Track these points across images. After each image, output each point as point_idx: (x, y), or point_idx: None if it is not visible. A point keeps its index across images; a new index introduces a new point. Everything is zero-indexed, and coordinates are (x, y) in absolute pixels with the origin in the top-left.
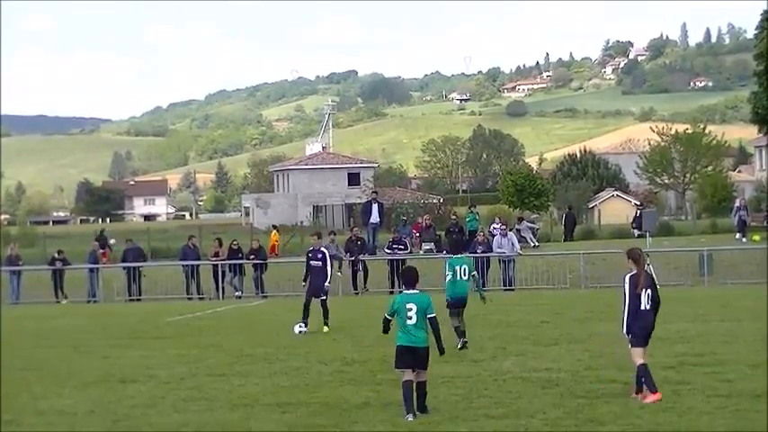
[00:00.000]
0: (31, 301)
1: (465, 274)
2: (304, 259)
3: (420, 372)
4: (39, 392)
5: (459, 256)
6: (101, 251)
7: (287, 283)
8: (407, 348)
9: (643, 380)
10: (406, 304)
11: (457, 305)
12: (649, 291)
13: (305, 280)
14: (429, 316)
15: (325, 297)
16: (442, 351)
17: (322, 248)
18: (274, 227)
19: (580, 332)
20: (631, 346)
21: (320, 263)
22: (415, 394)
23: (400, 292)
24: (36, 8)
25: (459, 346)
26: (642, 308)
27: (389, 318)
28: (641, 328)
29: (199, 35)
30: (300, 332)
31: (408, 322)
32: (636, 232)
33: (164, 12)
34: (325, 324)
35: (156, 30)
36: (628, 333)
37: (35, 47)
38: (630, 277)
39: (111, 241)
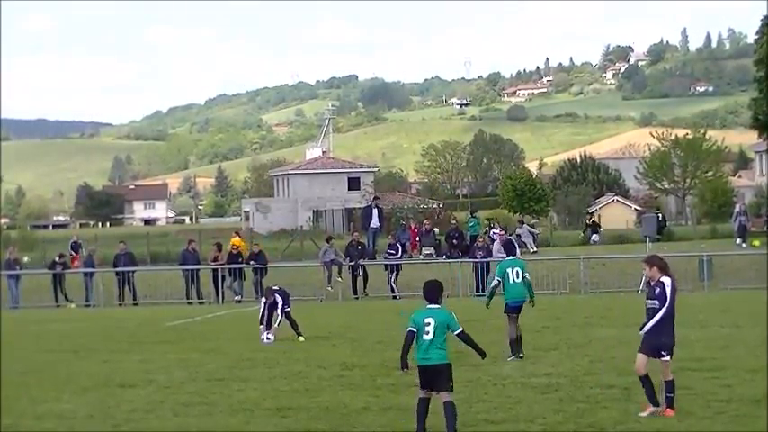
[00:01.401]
0: (31, 306)
1: (518, 277)
2: (303, 264)
3: (444, 393)
4: (38, 396)
5: (511, 258)
6: (71, 255)
7: (287, 288)
8: (423, 368)
9: (645, 390)
10: (424, 318)
11: (515, 310)
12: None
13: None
14: (457, 332)
15: (288, 309)
16: (483, 355)
17: (277, 299)
18: (236, 232)
19: (579, 337)
20: (665, 359)
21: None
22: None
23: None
24: (36, 9)
25: (509, 359)
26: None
27: (413, 330)
28: (667, 334)
29: (199, 39)
30: (268, 342)
31: (424, 337)
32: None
33: (164, 15)
34: (299, 334)
35: (156, 33)
36: (667, 346)
37: (35, 50)
38: (674, 283)
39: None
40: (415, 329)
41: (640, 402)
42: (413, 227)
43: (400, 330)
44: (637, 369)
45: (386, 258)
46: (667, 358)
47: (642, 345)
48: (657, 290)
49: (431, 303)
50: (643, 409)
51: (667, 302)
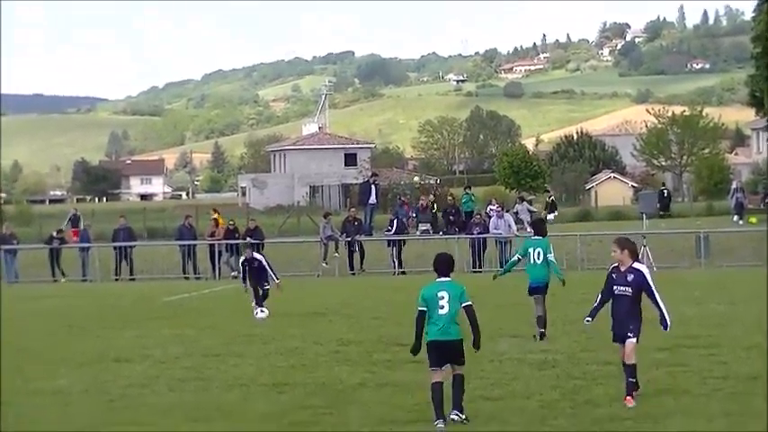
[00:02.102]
0: (28, 281)
1: (539, 258)
2: (300, 239)
3: (457, 366)
4: (33, 373)
5: (535, 237)
6: (71, 230)
7: (284, 264)
8: (440, 343)
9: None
10: (437, 293)
11: (537, 291)
12: None
13: (243, 283)
14: (464, 304)
15: (267, 286)
16: (477, 346)
17: (255, 256)
18: (214, 209)
19: (576, 314)
20: (631, 339)
21: (257, 266)
22: (452, 390)
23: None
24: None
25: (537, 337)
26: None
27: (423, 309)
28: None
29: (195, 14)
30: (262, 317)
31: (440, 312)
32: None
33: None
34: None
35: (153, 8)
36: (636, 328)
37: (31, 25)
38: (614, 268)
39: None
40: (424, 308)
41: (638, 380)
42: (405, 202)
43: (397, 307)
44: (627, 357)
45: (385, 234)
46: (633, 339)
47: (616, 335)
48: (631, 276)
49: (442, 276)
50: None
51: (654, 289)
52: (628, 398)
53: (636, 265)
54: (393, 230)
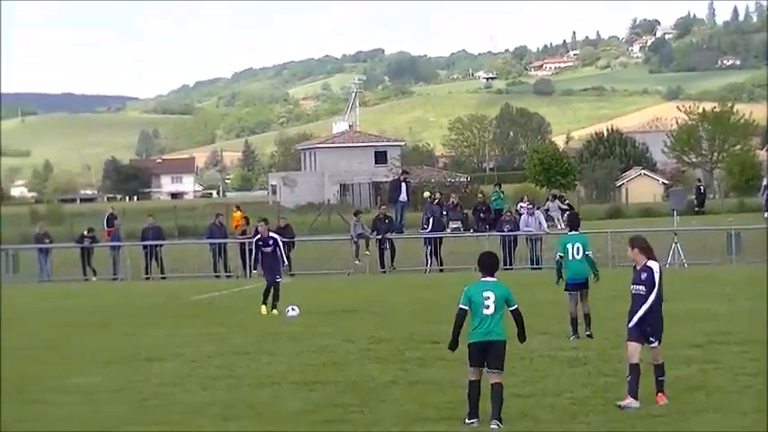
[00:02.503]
0: (60, 279)
1: (578, 253)
2: (330, 237)
3: (496, 372)
4: (64, 370)
5: (572, 233)
6: (107, 229)
7: (314, 262)
8: (483, 344)
9: (630, 378)
10: (483, 292)
11: (575, 288)
12: None
13: (255, 267)
14: (512, 308)
15: (279, 279)
16: (523, 339)
17: (271, 235)
18: (237, 207)
19: (606, 311)
20: (654, 345)
21: (271, 248)
22: (489, 400)
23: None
24: None
25: (571, 338)
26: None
27: (465, 308)
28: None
29: (225, 13)
30: (293, 315)
31: (485, 312)
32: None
33: None
34: (275, 307)
35: (182, 8)
36: (656, 333)
37: (60, 24)
38: (660, 267)
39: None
40: (466, 307)
41: (670, 375)
42: (438, 200)
43: (428, 305)
44: (629, 356)
45: (421, 232)
46: (655, 344)
47: (631, 333)
48: (644, 275)
49: (487, 276)
50: (623, 397)
51: (655, 289)
52: (659, 395)
53: (650, 263)
54: (429, 228)
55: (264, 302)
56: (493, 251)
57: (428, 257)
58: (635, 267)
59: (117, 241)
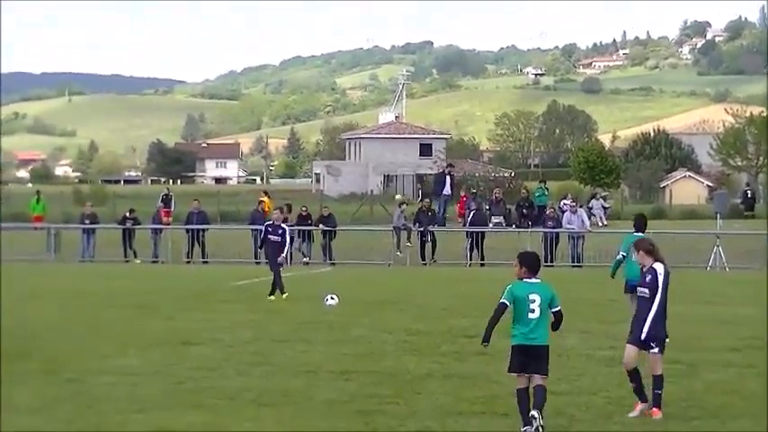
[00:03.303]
0: (102, 260)
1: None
2: (372, 228)
3: (537, 376)
4: (102, 352)
5: (638, 234)
6: (162, 210)
7: (355, 252)
8: (526, 348)
9: (634, 385)
10: (529, 294)
11: (633, 289)
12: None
13: (260, 247)
14: (554, 309)
15: (280, 265)
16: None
17: (282, 225)
18: (265, 192)
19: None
20: (654, 351)
21: (279, 237)
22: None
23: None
24: None
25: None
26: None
27: (507, 303)
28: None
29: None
30: (332, 304)
31: (530, 316)
32: None
33: None
34: (272, 294)
35: None
36: (657, 338)
37: (110, 5)
38: (667, 270)
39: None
40: (508, 303)
41: (707, 379)
42: (462, 195)
43: (466, 299)
44: (625, 363)
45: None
46: (656, 350)
47: (631, 335)
48: (648, 277)
49: (532, 275)
50: (633, 408)
51: (659, 293)
52: (654, 409)
53: (655, 264)
54: (469, 221)
55: (278, 291)
56: (534, 251)
57: (468, 251)
58: (642, 269)
59: (158, 224)
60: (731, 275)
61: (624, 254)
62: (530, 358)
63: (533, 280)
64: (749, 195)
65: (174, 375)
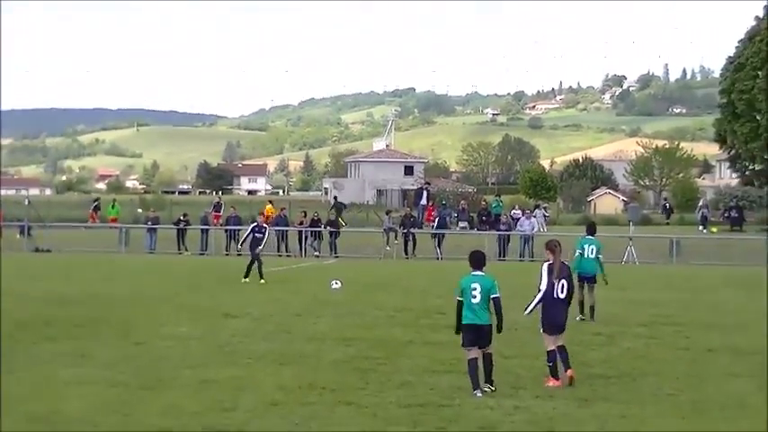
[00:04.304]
0: (161, 252)
1: (592, 254)
2: (367, 230)
3: (486, 347)
4: (162, 321)
5: (589, 236)
6: (214, 214)
7: (354, 248)
8: (472, 327)
9: (550, 365)
10: (471, 284)
11: (587, 280)
12: (564, 281)
13: (242, 244)
14: (493, 296)
15: (258, 252)
16: (500, 329)
17: (265, 225)
18: (270, 201)
19: (580, 293)
20: (543, 332)
21: (262, 235)
22: (481, 367)
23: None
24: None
25: (577, 318)
26: (555, 296)
27: (460, 299)
28: (552, 316)
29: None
30: (336, 288)
31: (473, 301)
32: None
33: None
34: (262, 276)
35: (263, 48)
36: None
37: (169, 55)
38: (549, 265)
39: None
40: (461, 298)
41: (622, 347)
42: (429, 207)
43: (439, 284)
44: (545, 346)
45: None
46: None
47: (544, 328)
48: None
49: (476, 270)
50: (548, 381)
51: (542, 286)
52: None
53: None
54: (436, 225)
55: (246, 276)
56: (481, 249)
57: (436, 247)
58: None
59: (206, 225)
60: (641, 268)
61: (580, 252)
62: (476, 334)
63: (477, 273)
64: (667, 207)
65: (216, 340)
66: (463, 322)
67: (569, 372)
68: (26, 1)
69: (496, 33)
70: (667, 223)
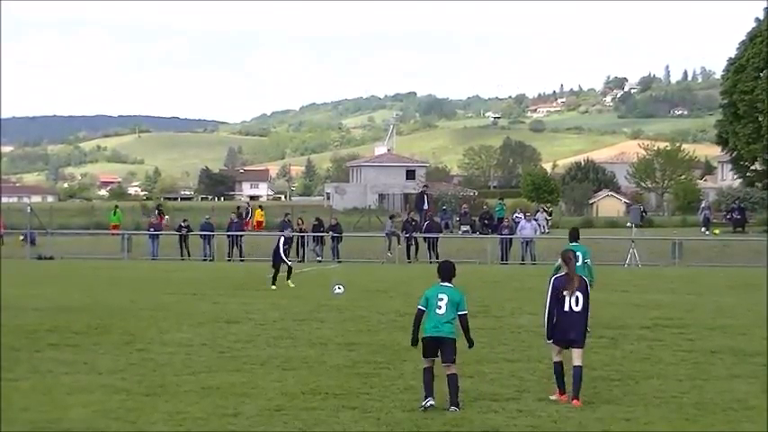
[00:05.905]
0: (163, 258)
1: (579, 261)
2: (369, 234)
3: (449, 365)
4: (164, 328)
5: (573, 243)
6: (246, 220)
7: (357, 252)
8: (433, 339)
9: (556, 377)
10: (437, 294)
11: None
12: (578, 294)
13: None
14: (460, 313)
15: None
16: (471, 343)
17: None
18: (260, 206)
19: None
20: (549, 341)
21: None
22: (447, 387)
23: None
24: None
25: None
26: (567, 309)
27: (422, 308)
28: (562, 330)
29: (297, 59)
30: (338, 293)
31: (437, 311)
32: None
33: (269, 40)
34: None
35: (265, 54)
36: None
37: (170, 64)
38: (556, 278)
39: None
40: (423, 308)
41: (625, 349)
42: (426, 209)
43: None
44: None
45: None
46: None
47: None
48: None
49: (444, 281)
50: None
51: (548, 300)
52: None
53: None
54: (424, 229)
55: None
56: (450, 260)
57: (429, 252)
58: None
59: (208, 231)
60: (643, 270)
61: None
62: (438, 347)
63: (445, 284)
64: (642, 211)
65: (219, 346)
66: (424, 334)
67: (575, 402)
68: (27, 1)
69: (496, 33)
70: (640, 226)
